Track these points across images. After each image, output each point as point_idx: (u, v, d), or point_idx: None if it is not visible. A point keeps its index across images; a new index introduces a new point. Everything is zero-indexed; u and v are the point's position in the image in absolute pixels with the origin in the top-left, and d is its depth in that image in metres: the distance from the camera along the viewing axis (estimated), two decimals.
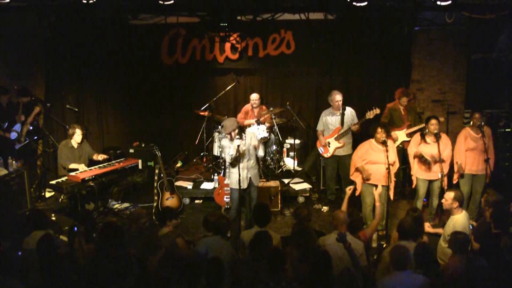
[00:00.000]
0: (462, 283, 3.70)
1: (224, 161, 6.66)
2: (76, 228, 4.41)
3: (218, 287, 3.52)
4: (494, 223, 4.51)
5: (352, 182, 5.99)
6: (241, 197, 5.63)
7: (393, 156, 5.78)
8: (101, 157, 6.60)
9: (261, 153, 5.89)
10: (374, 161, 5.75)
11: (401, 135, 6.92)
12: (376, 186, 5.70)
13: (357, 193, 6.00)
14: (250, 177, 5.70)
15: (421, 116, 7.49)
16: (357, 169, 5.90)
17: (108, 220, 6.17)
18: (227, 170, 5.97)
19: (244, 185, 5.64)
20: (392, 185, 5.74)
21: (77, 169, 6.29)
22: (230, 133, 5.51)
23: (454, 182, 6.15)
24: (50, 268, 3.80)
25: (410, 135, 6.84)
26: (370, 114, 6.35)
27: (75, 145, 6.50)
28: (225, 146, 5.69)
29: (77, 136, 6.47)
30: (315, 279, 3.54)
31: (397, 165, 5.95)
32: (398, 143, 6.88)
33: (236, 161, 5.52)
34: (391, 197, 5.82)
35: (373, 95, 8.27)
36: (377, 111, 6.33)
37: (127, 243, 4.19)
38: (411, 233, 4.30)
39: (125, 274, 3.28)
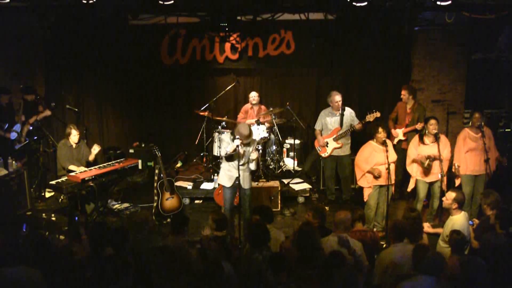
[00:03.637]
0: (460, 283, 3.69)
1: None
2: (76, 218, 4.38)
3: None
4: (500, 224, 4.49)
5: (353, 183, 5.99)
6: (234, 196, 5.64)
7: (394, 156, 5.78)
8: (96, 148, 6.51)
9: (252, 166, 5.75)
10: (380, 163, 5.72)
11: (400, 133, 6.93)
12: (380, 186, 5.76)
13: (365, 199, 5.96)
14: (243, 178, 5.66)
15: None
16: (368, 172, 5.83)
17: (100, 220, 6.10)
18: (221, 166, 5.90)
19: (245, 186, 5.64)
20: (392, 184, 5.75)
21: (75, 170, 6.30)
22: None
23: (456, 185, 6.14)
24: (47, 268, 3.79)
25: (407, 135, 6.85)
26: (370, 117, 6.34)
27: (73, 145, 6.49)
28: (223, 140, 5.74)
29: (73, 136, 6.44)
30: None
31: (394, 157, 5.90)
32: (395, 141, 6.90)
33: (230, 157, 5.53)
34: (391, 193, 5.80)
35: (373, 95, 8.27)
36: (377, 114, 6.32)
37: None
38: (407, 233, 4.30)
39: (122, 274, 3.26)
